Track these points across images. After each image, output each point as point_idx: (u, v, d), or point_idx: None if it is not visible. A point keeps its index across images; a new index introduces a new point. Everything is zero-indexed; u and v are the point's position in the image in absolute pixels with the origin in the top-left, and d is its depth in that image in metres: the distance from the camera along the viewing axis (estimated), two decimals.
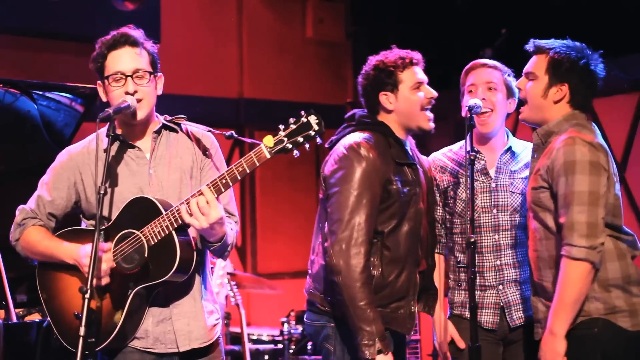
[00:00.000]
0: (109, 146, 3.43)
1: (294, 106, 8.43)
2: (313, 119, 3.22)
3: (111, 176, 3.51)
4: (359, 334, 3.67)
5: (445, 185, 4.29)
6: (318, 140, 3.26)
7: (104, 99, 3.61)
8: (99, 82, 3.61)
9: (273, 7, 8.70)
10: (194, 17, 8.16)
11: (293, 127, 3.24)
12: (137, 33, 3.59)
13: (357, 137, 3.84)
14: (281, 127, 3.25)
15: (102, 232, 3.44)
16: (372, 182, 3.75)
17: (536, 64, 3.86)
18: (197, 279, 3.62)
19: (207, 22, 8.26)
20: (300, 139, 3.22)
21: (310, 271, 3.98)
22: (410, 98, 3.91)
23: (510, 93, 4.23)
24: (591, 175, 3.61)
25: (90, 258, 3.25)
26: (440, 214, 4.33)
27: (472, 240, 3.84)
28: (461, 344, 4.21)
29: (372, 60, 3.99)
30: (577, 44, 3.87)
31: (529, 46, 3.92)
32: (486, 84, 4.20)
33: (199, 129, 3.71)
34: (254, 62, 8.60)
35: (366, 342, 3.65)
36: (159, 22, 7.18)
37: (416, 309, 3.97)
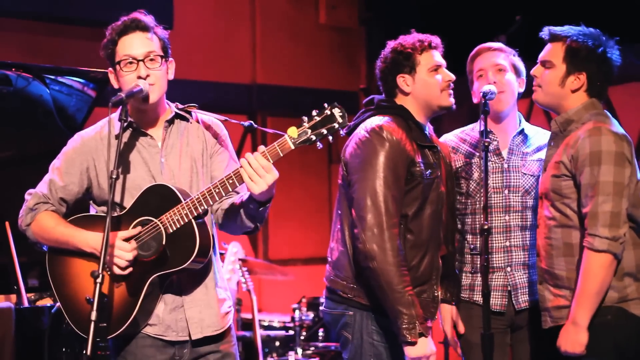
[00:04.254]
0: (121, 132, 3.42)
1: (307, 92, 8.52)
2: (337, 112, 3.22)
3: (124, 163, 3.50)
4: (399, 318, 3.63)
5: (457, 166, 4.28)
6: (341, 132, 3.27)
7: (116, 86, 3.58)
8: (110, 69, 3.59)
9: None
10: (206, 3, 8.14)
11: (317, 119, 3.23)
12: (148, 18, 3.57)
13: (378, 120, 3.82)
14: (305, 118, 3.25)
15: (117, 219, 3.45)
16: (397, 164, 3.73)
17: (553, 52, 3.85)
18: (210, 267, 3.61)
19: (220, 7, 8.24)
20: (324, 131, 3.23)
21: (330, 258, 3.96)
22: (428, 81, 3.89)
23: (518, 73, 4.25)
24: (616, 166, 3.62)
25: (102, 243, 3.22)
26: None
27: (487, 227, 3.82)
28: (460, 328, 4.21)
29: (391, 43, 3.98)
30: (593, 30, 3.85)
31: (544, 34, 3.91)
32: (495, 67, 4.20)
33: (210, 117, 3.71)
34: (267, 48, 8.58)
35: (406, 325, 3.63)
36: (172, 7, 7.18)
37: (439, 293, 3.95)
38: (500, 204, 4.20)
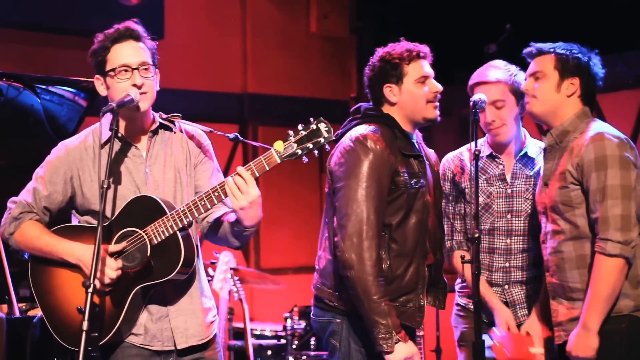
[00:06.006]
0: (112, 142, 3.42)
1: (298, 101, 8.52)
2: (323, 126, 3.26)
3: (109, 172, 3.45)
4: (375, 328, 3.66)
5: (464, 187, 4.31)
6: (327, 147, 3.29)
7: (103, 93, 3.58)
8: (97, 76, 3.58)
9: (277, 2, 8.68)
10: (197, 12, 8.15)
11: (303, 133, 3.27)
12: (140, 27, 3.58)
13: (363, 129, 3.83)
14: (291, 132, 3.28)
15: (102, 228, 3.44)
16: (380, 174, 3.74)
17: (542, 63, 3.88)
18: (194, 276, 3.62)
19: (211, 16, 8.25)
20: (310, 145, 3.26)
21: (317, 267, 3.97)
22: (414, 92, 3.89)
23: (519, 96, 4.19)
24: (622, 170, 3.65)
25: (93, 253, 3.23)
26: (452, 210, 4.37)
27: (477, 235, 3.84)
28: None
29: (379, 51, 3.98)
30: (574, 45, 3.90)
31: (530, 50, 3.94)
32: (492, 104, 4.18)
33: (193, 127, 3.72)
34: (258, 57, 8.59)
35: (383, 335, 3.65)
36: (163, 16, 7.18)
37: (425, 302, 3.95)
38: (503, 228, 4.25)
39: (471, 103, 4.00)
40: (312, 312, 4.03)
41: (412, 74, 3.90)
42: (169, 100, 6.48)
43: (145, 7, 7.01)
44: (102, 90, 3.59)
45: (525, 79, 3.96)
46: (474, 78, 4.24)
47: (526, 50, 3.96)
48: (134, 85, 3.46)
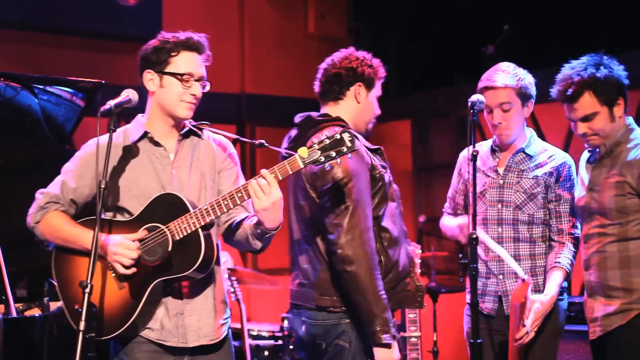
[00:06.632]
0: (109, 142, 3.48)
1: (295, 102, 8.47)
2: (346, 136, 3.37)
3: (135, 171, 3.65)
4: (375, 320, 3.71)
5: (466, 179, 4.50)
6: (349, 156, 3.40)
7: (151, 89, 3.69)
8: (148, 70, 3.67)
9: (274, 3, 8.69)
10: (195, 12, 8.15)
11: (327, 142, 3.38)
12: (207, 44, 3.81)
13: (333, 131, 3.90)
14: (315, 140, 3.40)
15: (126, 224, 3.60)
16: (364, 170, 3.83)
17: (587, 105, 3.99)
18: (212, 277, 3.70)
19: (209, 17, 8.24)
20: (333, 153, 3.38)
21: (305, 281, 3.95)
22: (373, 104, 4.10)
23: (525, 99, 4.33)
24: None
25: (91, 251, 3.31)
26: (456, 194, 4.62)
27: (474, 236, 3.87)
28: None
29: (350, 56, 4.15)
30: (588, 60, 4.03)
31: (563, 94, 4.02)
32: (499, 106, 4.30)
33: (220, 136, 3.86)
34: (256, 58, 8.59)
35: (382, 328, 3.71)
36: (161, 17, 7.19)
37: (420, 282, 4.03)
38: (494, 217, 4.39)
39: (469, 104, 4.04)
40: (309, 319, 3.96)
41: (377, 89, 4.09)
42: None
43: (143, 8, 7.01)
44: (150, 85, 3.69)
45: (575, 122, 4.06)
46: (483, 82, 4.34)
47: (557, 95, 4.07)
48: (192, 94, 3.66)
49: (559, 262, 4.26)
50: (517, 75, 4.31)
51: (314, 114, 4.08)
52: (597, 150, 4.07)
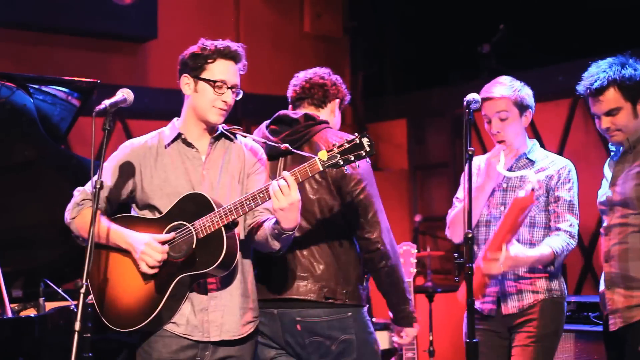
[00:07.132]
0: (103, 141, 3.53)
1: None
2: (365, 141, 3.50)
3: (167, 171, 3.80)
4: (407, 304, 4.14)
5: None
6: (367, 160, 3.55)
7: (187, 93, 3.84)
8: (185, 74, 3.81)
9: (270, 2, 8.68)
10: (190, 12, 8.13)
11: (347, 145, 3.51)
12: (244, 53, 3.93)
13: (340, 133, 4.12)
14: (335, 144, 3.53)
15: (154, 221, 3.75)
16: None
17: (611, 99, 4.09)
18: (238, 276, 3.82)
19: (204, 16, 8.24)
20: (352, 157, 3.51)
21: (314, 273, 4.04)
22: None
23: (522, 109, 4.44)
24: None
25: (88, 251, 3.39)
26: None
27: (470, 236, 3.88)
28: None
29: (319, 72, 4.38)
30: (612, 61, 4.14)
31: (589, 90, 4.12)
32: (497, 115, 4.42)
33: (251, 141, 4.01)
34: (251, 57, 8.51)
35: (412, 309, 4.15)
36: (156, 16, 7.17)
37: None
38: (497, 219, 4.43)
39: (465, 103, 4.06)
40: (313, 315, 4.03)
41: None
42: (164, 99, 6.49)
43: (138, 7, 6.99)
44: (186, 89, 3.84)
45: (599, 117, 4.15)
46: (482, 94, 4.42)
47: (583, 89, 4.15)
48: (224, 101, 3.80)
49: (548, 242, 4.29)
50: (513, 87, 4.44)
51: (310, 113, 4.22)
52: (621, 147, 4.16)
